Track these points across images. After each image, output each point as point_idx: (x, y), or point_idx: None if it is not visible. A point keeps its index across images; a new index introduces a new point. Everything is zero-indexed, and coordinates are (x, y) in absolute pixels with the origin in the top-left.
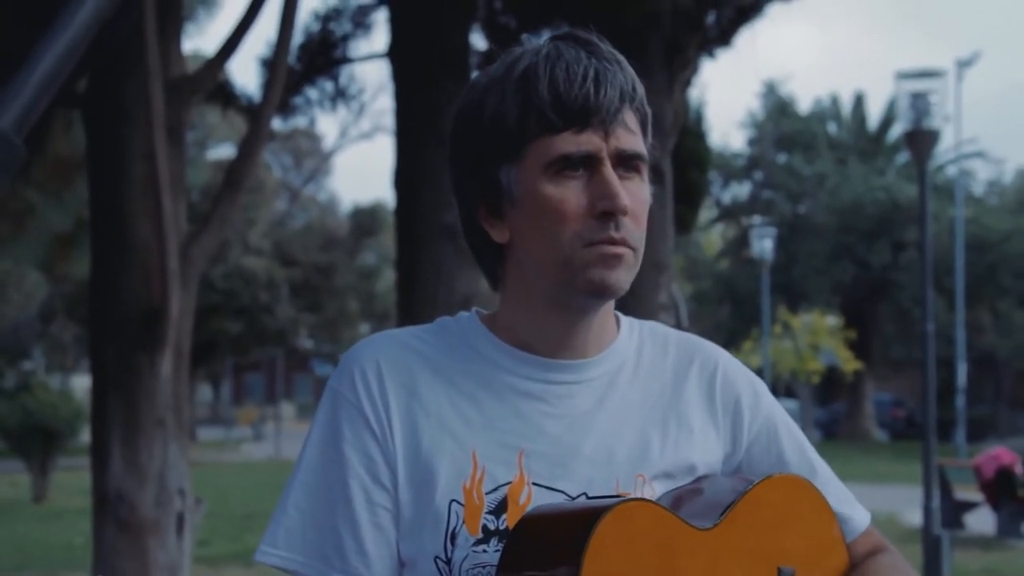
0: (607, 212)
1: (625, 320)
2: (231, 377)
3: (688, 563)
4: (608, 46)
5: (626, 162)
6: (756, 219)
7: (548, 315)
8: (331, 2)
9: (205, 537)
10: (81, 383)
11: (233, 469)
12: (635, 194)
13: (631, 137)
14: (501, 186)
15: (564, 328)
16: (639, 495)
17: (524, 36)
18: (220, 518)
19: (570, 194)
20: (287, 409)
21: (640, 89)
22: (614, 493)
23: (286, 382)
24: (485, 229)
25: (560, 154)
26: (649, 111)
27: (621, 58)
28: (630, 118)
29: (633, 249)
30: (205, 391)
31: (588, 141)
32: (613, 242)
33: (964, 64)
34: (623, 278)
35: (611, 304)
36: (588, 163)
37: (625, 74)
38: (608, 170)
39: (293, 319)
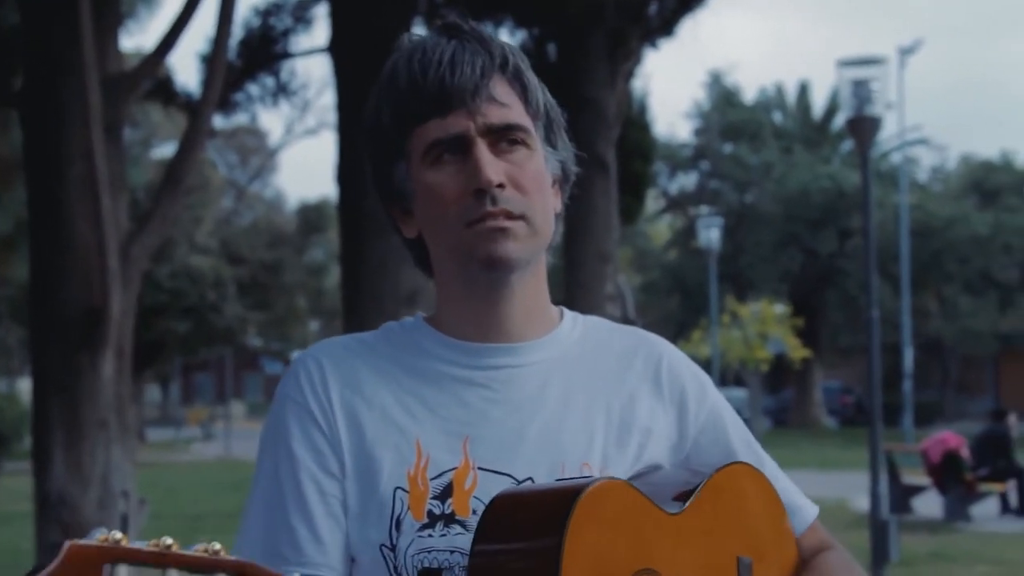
0: (479, 189)
1: (568, 313)
2: (180, 377)
3: (658, 544)
4: (475, 25)
5: (503, 135)
6: (703, 209)
7: (468, 300)
8: None
9: (153, 538)
10: (27, 386)
11: (183, 469)
12: (519, 164)
13: (502, 110)
14: (399, 185)
15: (486, 308)
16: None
17: (404, 36)
18: (169, 519)
19: (448, 178)
20: (237, 408)
21: (515, 59)
22: (562, 478)
23: (235, 381)
24: (400, 227)
25: (431, 141)
26: (531, 80)
27: (488, 35)
28: (501, 91)
29: (520, 218)
30: (154, 392)
31: (454, 123)
32: (492, 216)
33: (906, 52)
34: (513, 248)
35: (541, 288)
36: (461, 145)
37: (489, 49)
38: (477, 148)
39: (241, 317)
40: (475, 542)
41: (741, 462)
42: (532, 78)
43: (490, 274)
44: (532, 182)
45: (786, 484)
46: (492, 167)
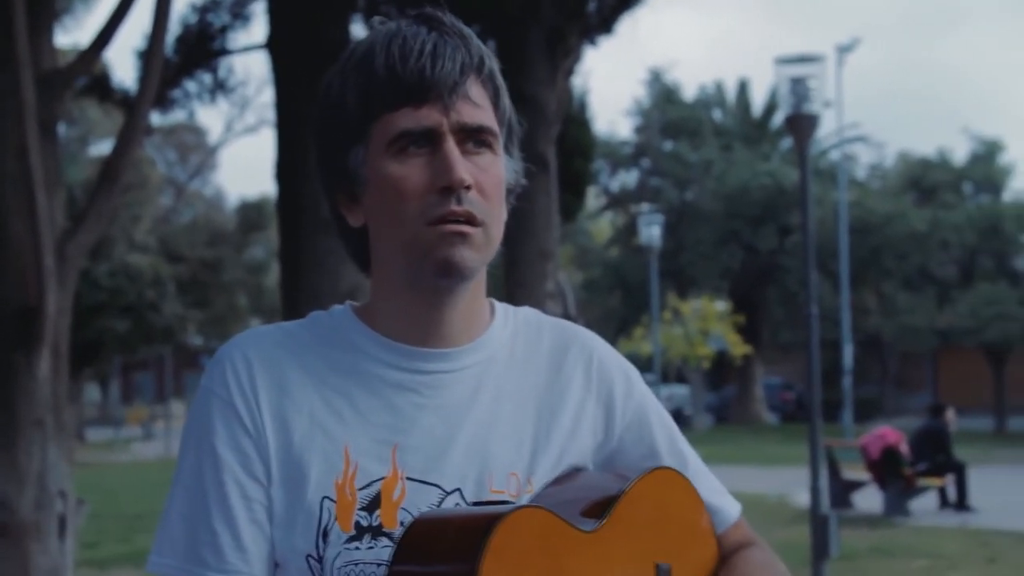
0: (446, 187)
1: (500, 307)
2: (119, 376)
3: (576, 568)
4: (454, 20)
5: (472, 136)
6: (644, 207)
7: (410, 301)
8: None
9: (93, 539)
10: None
11: (123, 469)
12: (485, 169)
13: (475, 111)
14: (351, 169)
15: (429, 314)
16: (514, 493)
17: (376, 19)
18: (109, 519)
19: (412, 171)
20: (177, 407)
21: (490, 62)
22: (488, 489)
23: (175, 380)
24: (343, 215)
25: (400, 131)
26: (503, 85)
27: (468, 32)
28: (476, 91)
29: (481, 226)
30: (93, 391)
31: (427, 116)
32: (456, 217)
33: (844, 50)
34: (469, 257)
35: (481, 290)
36: (430, 139)
37: (469, 47)
38: (448, 144)
39: (181, 316)
40: (392, 563)
41: (660, 467)
42: (502, 82)
43: (441, 280)
44: (494, 188)
45: (710, 482)
46: (463, 166)
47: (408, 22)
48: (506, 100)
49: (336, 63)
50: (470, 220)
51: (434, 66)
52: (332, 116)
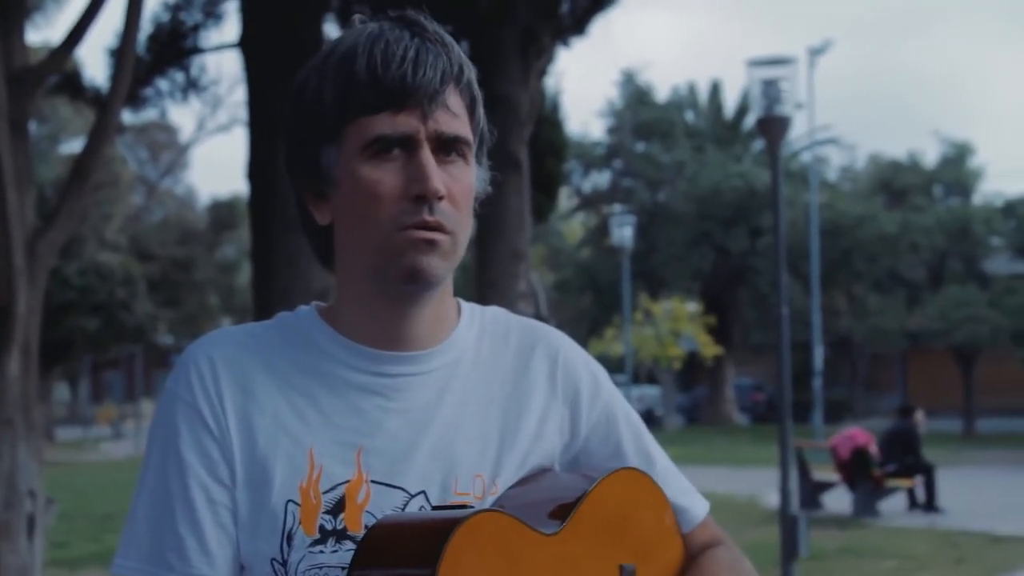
0: (420, 195)
1: (466, 307)
2: (89, 376)
3: (537, 571)
4: (436, 27)
5: (447, 145)
6: (616, 207)
7: (375, 304)
8: None
9: (63, 539)
10: None
11: (92, 469)
12: (457, 178)
13: (453, 120)
14: (322, 168)
15: (394, 318)
16: (479, 495)
17: (356, 17)
18: (79, 519)
19: (386, 176)
20: (147, 407)
21: (469, 72)
22: (453, 492)
23: (146, 379)
24: (310, 212)
25: (376, 135)
26: (480, 95)
27: (449, 40)
28: (454, 101)
29: (450, 234)
30: (62, 390)
31: (405, 122)
32: (427, 226)
33: (816, 52)
34: (437, 265)
35: (448, 292)
36: (405, 145)
37: (450, 56)
38: (424, 153)
39: (152, 315)
40: (352, 567)
41: (625, 468)
42: (479, 92)
43: (407, 286)
44: (464, 198)
45: (677, 482)
46: (438, 176)
47: (391, 25)
48: (481, 110)
49: (315, 58)
50: (440, 229)
51: (415, 73)
52: (307, 113)
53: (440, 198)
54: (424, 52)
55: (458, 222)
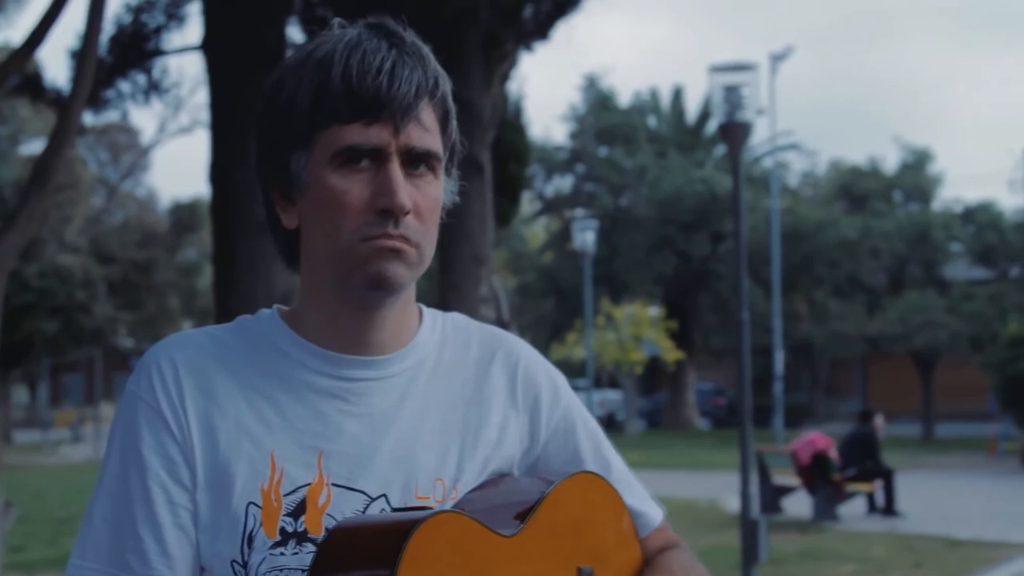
0: (386, 209)
1: (428, 313)
2: (48, 378)
3: (495, 571)
4: (414, 38)
5: (417, 159)
6: (578, 212)
7: (338, 309)
8: None
9: (20, 542)
10: None
11: (51, 472)
12: (424, 192)
13: (424, 134)
14: (291, 172)
15: (357, 323)
16: (439, 499)
17: (336, 21)
18: (36, 523)
19: (354, 187)
20: (106, 410)
21: (444, 85)
22: (414, 495)
23: (105, 382)
24: (278, 213)
25: (347, 145)
26: (453, 108)
27: (426, 52)
28: (427, 115)
29: (415, 247)
30: (21, 393)
31: (377, 135)
32: (390, 238)
33: (777, 58)
34: (400, 272)
35: (410, 298)
36: (375, 157)
37: (426, 69)
38: (393, 166)
39: (111, 318)
40: (311, 570)
41: (582, 472)
42: (453, 106)
43: (371, 292)
44: (431, 211)
45: (634, 489)
46: (404, 191)
47: (370, 33)
48: (454, 123)
49: (291, 59)
50: (405, 241)
51: (391, 86)
52: (279, 116)
53: (406, 213)
54: (401, 65)
55: (423, 235)
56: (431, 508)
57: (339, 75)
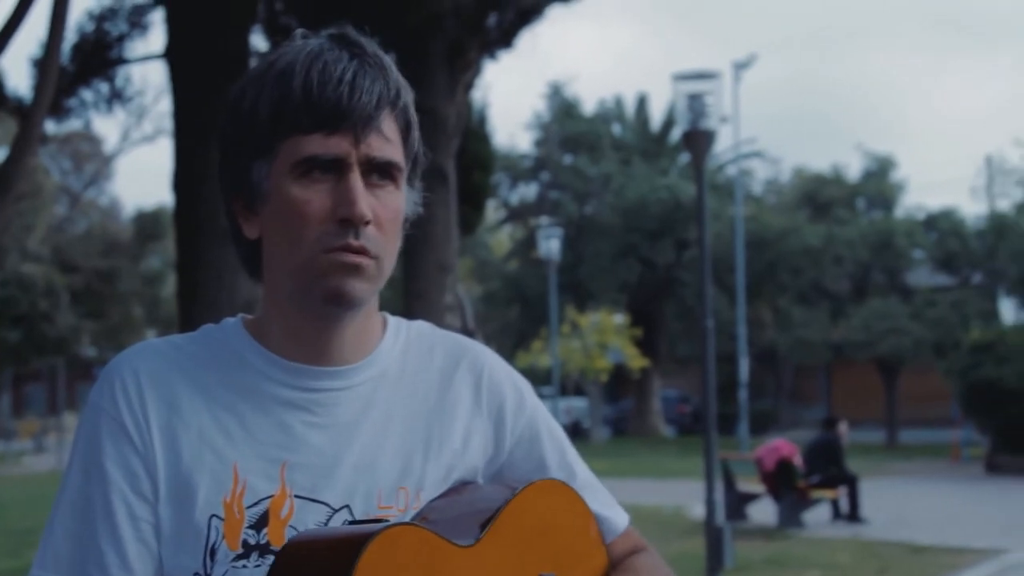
0: (346, 219)
1: (392, 321)
2: (10, 388)
3: None
4: (376, 48)
5: (378, 170)
6: (543, 220)
7: (299, 321)
8: (106, 2)
9: None
10: None
11: (13, 483)
12: (385, 203)
13: (385, 145)
14: (253, 182)
15: (317, 334)
16: (402, 508)
17: (298, 31)
18: None
19: (315, 197)
20: (70, 420)
21: (406, 96)
22: (377, 505)
23: (68, 392)
24: (239, 223)
25: (307, 155)
26: (415, 119)
27: (388, 63)
28: (388, 125)
29: (375, 259)
30: None
31: (337, 145)
32: (351, 249)
33: (741, 66)
34: (361, 288)
35: (373, 308)
36: (336, 167)
37: (388, 79)
38: (353, 176)
39: (75, 327)
40: None
41: (546, 479)
42: (415, 116)
43: (329, 307)
44: (392, 223)
45: (599, 495)
46: (365, 201)
47: (332, 44)
48: (416, 134)
49: (254, 70)
50: (364, 253)
51: (351, 97)
52: (241, 126)
53: (366, 223)
54: (361, 75)
55: (383, 246)
56: (388, 520)
57: (300, 85)
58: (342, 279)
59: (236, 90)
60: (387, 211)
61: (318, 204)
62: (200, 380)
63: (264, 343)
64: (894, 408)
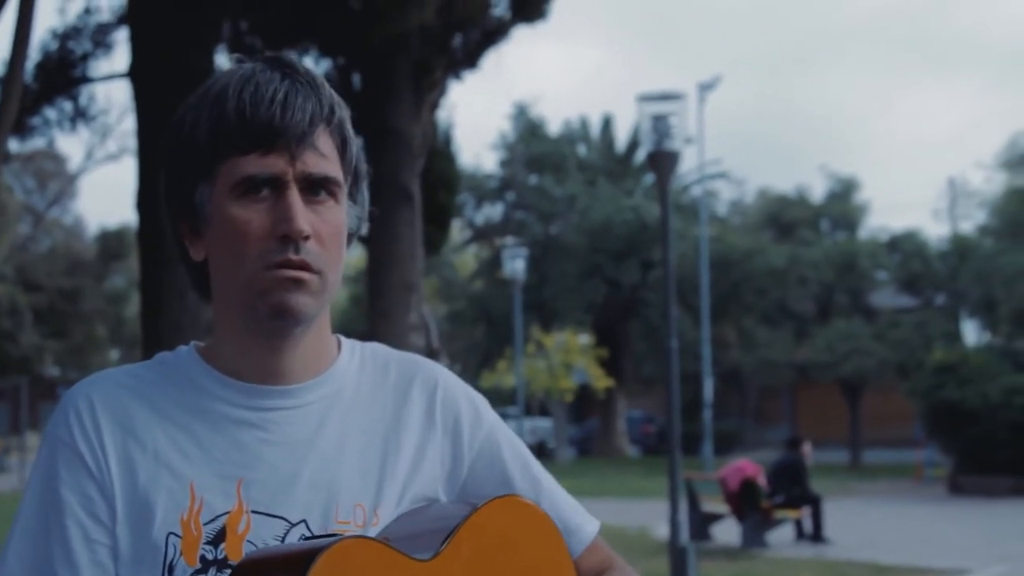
0: (285, 235)
1: (347, 343)
2: None
3: None
4: (309, 68)
5: (316, 186)
6: (508, 240)
7: (248, 340)
8: (70, 20)
9: None
10: None
11: None
12: (325, 218)
13: (321, 161)
14: (196, 205)
15: (267, 353)
16: (360, 524)
17: (235, 56)
18: None
19: (255, 216)
20: (33, 440)
21: (340, 112)
22: (334, 520)
23: (31, 412)
24: (187, 245)
25: (245, 175)
26: (351, 134)
27: (321, 81)
28: (323, 142)
29: (317, 273)
30: None
31: (273, 164)
32: (292, 265)
33: (706, 88)
34: (305, 302)
35: (324, 327)
36: (274, 185)
37: (320, 97)
38: (291, 194)
39: (38, 346)
40: None
41: (508, 494)
42: (351, 132)
43: (275, 322)
44: (333, 238)
45: (565, 504)
46: (303, 216)
47: (263, 66)
48: (353, 149)
49: (193, 96)
50: (306, 268)
51: (283, 115)
52: (183, 150)
53: (306, 238)
54: (293, 94)
55: (325, 261)
56: (341, 536)
57: (233, 108)
58: (285, 294)
59: (177, 116)
60: (328, 226)
61: (258, 223)
62: (155, 402)
63: (216, 365)
64: (858, 429)
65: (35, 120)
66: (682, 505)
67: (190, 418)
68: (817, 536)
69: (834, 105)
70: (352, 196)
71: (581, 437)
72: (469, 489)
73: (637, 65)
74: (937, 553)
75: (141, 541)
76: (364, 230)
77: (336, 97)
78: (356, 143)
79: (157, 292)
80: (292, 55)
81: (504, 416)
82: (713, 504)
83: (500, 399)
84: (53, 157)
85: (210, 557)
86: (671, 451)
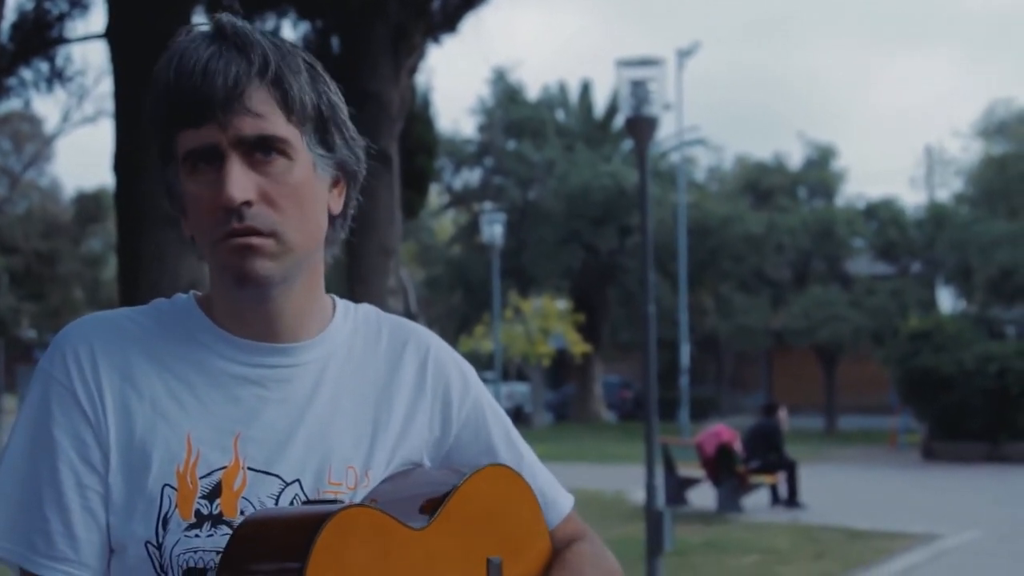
0: (223, 206)
1: (341, 304)
2: None
3: (405, 565)
4: (240, 27)
5: (257, 147)
6: (487, 205)
7: (237, 303)
8: None
9: None
10: None
11: None
12: (276, 178)
13: (255, 121)
14: (170, 184)
15: (255, 314)
16: (351, 486)
17: (182, 29)
18: None
19: (202, 190)
20: (9, 402)
21: (276, 64)
22: (326, 481)
23: (7, 374)
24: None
25: (187, 150)
26: (294, 83)
27: (254, 39)
28: (258, 100)
29: (271, 235)
30: None
31: (207, 134)
32: (236, 233)
33: (684, 54)
34: (263, 266)
35: (315, 286)
36: (215, 156)
37: (249, 55)
38: (228, 162)
39: (14, 308)
40: (221, 563)
41: (494, 464)
42: (296, 82)
43: (242, 289)
44: (288, 197)
45: (544, 477)
46: (238, 184)
47: (196, 35)
48: (304, 98)
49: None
50: (255, 233)
51: (204, 83)
52: (154, 133)
53: (248, 203)
54: (215, 59)
55: (279, 221)
56: (341, 501)
57: (164, 85)
58: (240, 262)
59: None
60: (278, 186)
61: (206, 197)
62: (153, 351)
63: (215, 319)
64: (833, 395)
65: (11, 81)
66: (658, 470)
67: (188, 370)
68: (792, 501)
69: (813, 73)
70: (325, 143)
71: (558, 402)
72: (453, 456)
73: (616, 31)
74: (910, 518)
75: (135, 491)
76: (362, 170)
77: (275, 49)
78: (310, 90)
79: (135, 255)
80: (232, 16)
81: (482, 381)
82: (689, 469)
83: (478, 364)
84: (29, 119)
85: (205, 512)
86: (648, 416)
